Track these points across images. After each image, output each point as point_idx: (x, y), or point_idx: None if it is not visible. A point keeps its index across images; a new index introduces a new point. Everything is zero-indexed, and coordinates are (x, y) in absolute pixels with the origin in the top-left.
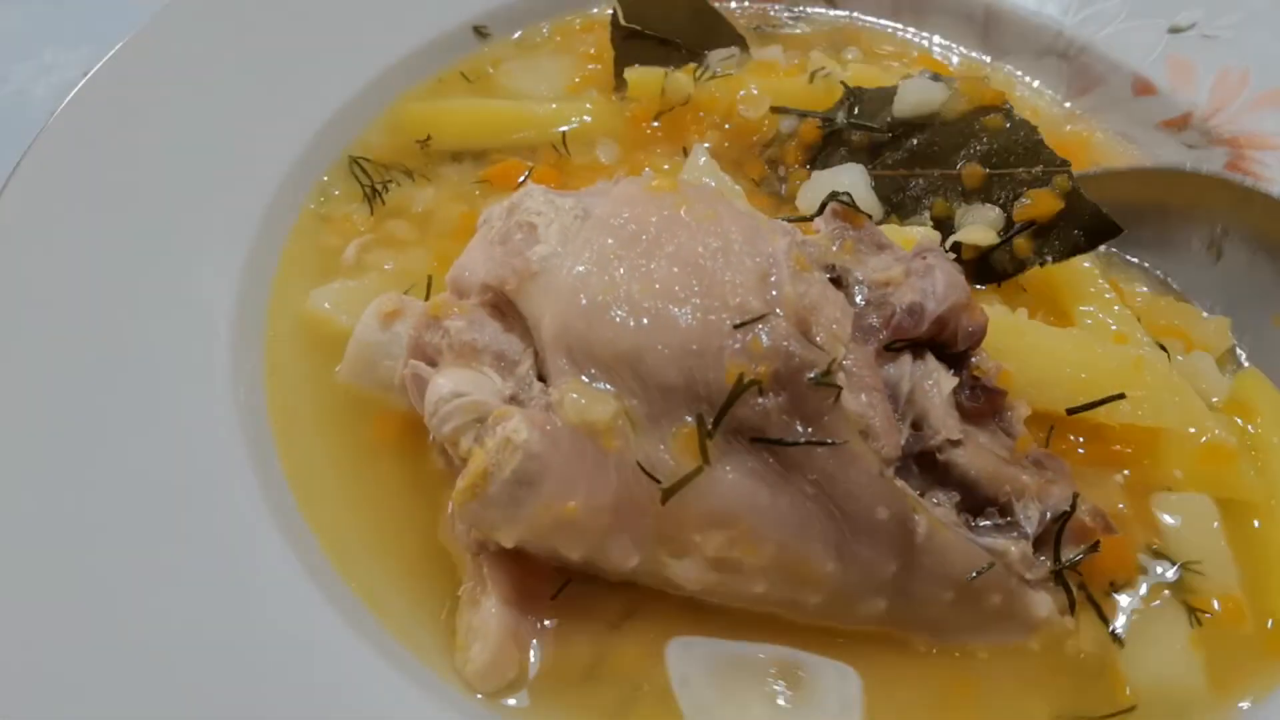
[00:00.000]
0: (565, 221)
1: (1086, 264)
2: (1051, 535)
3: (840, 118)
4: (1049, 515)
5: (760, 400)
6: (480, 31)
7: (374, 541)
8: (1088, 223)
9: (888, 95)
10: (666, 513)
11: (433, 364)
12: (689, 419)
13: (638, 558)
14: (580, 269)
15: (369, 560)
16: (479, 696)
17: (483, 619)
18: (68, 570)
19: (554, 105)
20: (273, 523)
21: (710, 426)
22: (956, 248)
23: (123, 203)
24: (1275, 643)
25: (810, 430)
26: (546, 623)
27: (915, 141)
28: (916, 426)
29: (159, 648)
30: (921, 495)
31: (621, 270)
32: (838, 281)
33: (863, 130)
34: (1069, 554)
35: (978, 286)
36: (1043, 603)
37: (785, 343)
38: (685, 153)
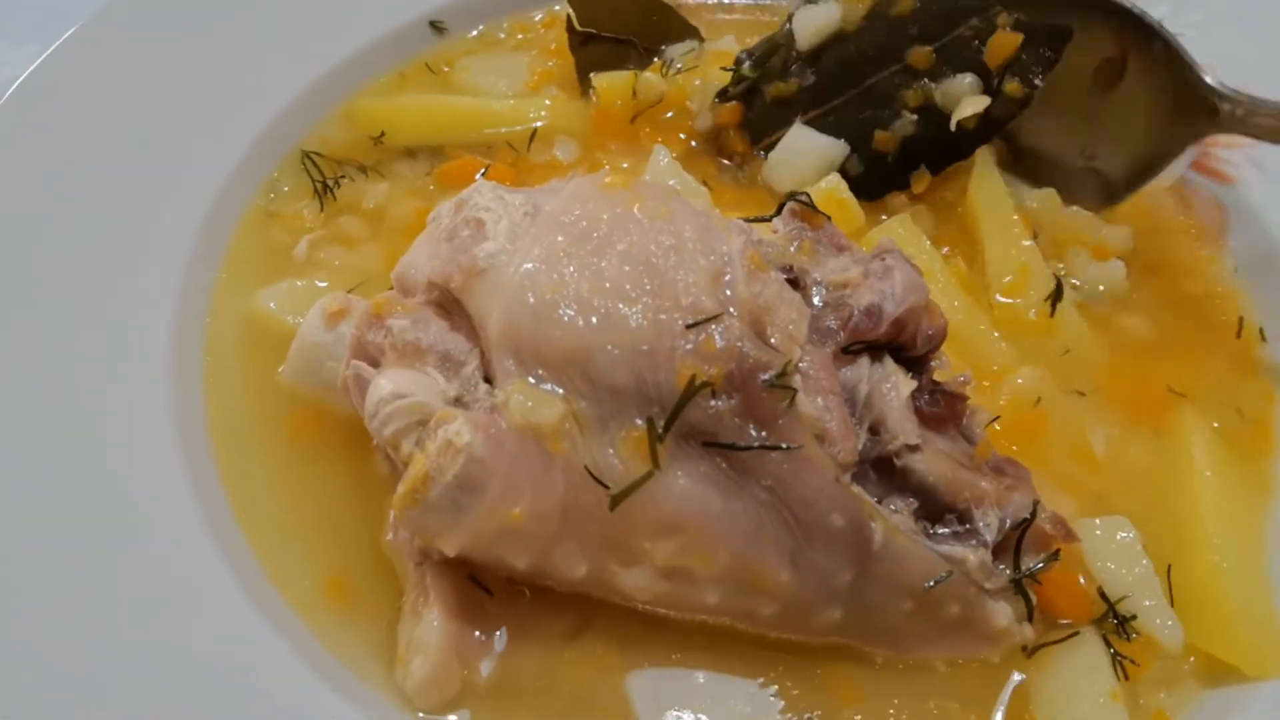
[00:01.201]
0: (514, 218)
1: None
2: (1011, 543)
3: (747, 67)
4: (1009, 523)
5: (713, 402)
6: (437, 26)
7: (313, 550)
8: (1046, 38)
9: (776, 40)
10: (615, 519)
11: (375, 364)
12: (639, 422)
13: (586, 566)
14: (528, 266)
15: (307, 569)
16: (420, 714)
17: (424, 631)
18: None
19: (512, 102)
20: (206, 530)
21: (661, 430)
22: (959, 127)
23: (63, 198)
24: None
25: (764, 434)
26: (493, 636)
27: (835, 61)
28: (874, 431)
29: (80, 660)
30: (879, 502)
31: (571, 268)
32: (795, 283)
33: (772, 81)
34: (1029, 562)
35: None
36: (1002, 612)
37: (739, 343)
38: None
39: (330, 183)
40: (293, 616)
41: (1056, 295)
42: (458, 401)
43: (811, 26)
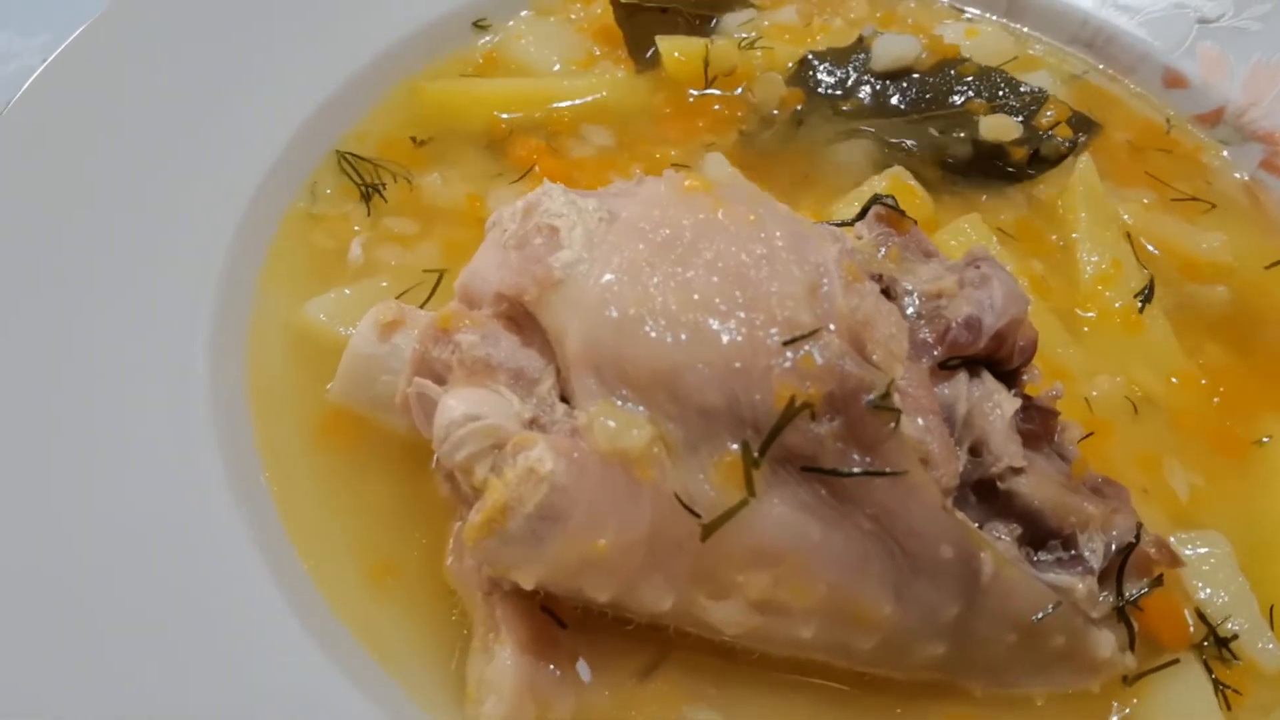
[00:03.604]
0: (589, 224)
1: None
2: (1113, 568)
3: (828, 83)
4: (1114, 548)
5: (812, 425)
6: (480, 25)
7: (373, 580)
8: (1081, 122)
9: (849, 54)
10: (706, 550)
11: (440, 382)
12: (733, 446)
13: (672, 599)
14: (609, 278)
15: (368, 601)
16: None
17: (497, 669)
18: (34, 621)
19: (565, 83)
20: (260, 560)
21: (757, 454)
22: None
23: (82, 201)
24: None
25: (868, 459)
26: (568, 670)
27: (901, 87)
28: (974, 452)
29: (134, 704)
30: (980, 527)
31: (655, 279)
32: (886, 292)
33: (846, 98)
34: (1131, 588)
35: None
36: (1106, 642)
37: (840, 361)
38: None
39: (377, 185)
40: (354, 644)
41: (1148, 294)
42: (533, 423)
43: (892, 53)
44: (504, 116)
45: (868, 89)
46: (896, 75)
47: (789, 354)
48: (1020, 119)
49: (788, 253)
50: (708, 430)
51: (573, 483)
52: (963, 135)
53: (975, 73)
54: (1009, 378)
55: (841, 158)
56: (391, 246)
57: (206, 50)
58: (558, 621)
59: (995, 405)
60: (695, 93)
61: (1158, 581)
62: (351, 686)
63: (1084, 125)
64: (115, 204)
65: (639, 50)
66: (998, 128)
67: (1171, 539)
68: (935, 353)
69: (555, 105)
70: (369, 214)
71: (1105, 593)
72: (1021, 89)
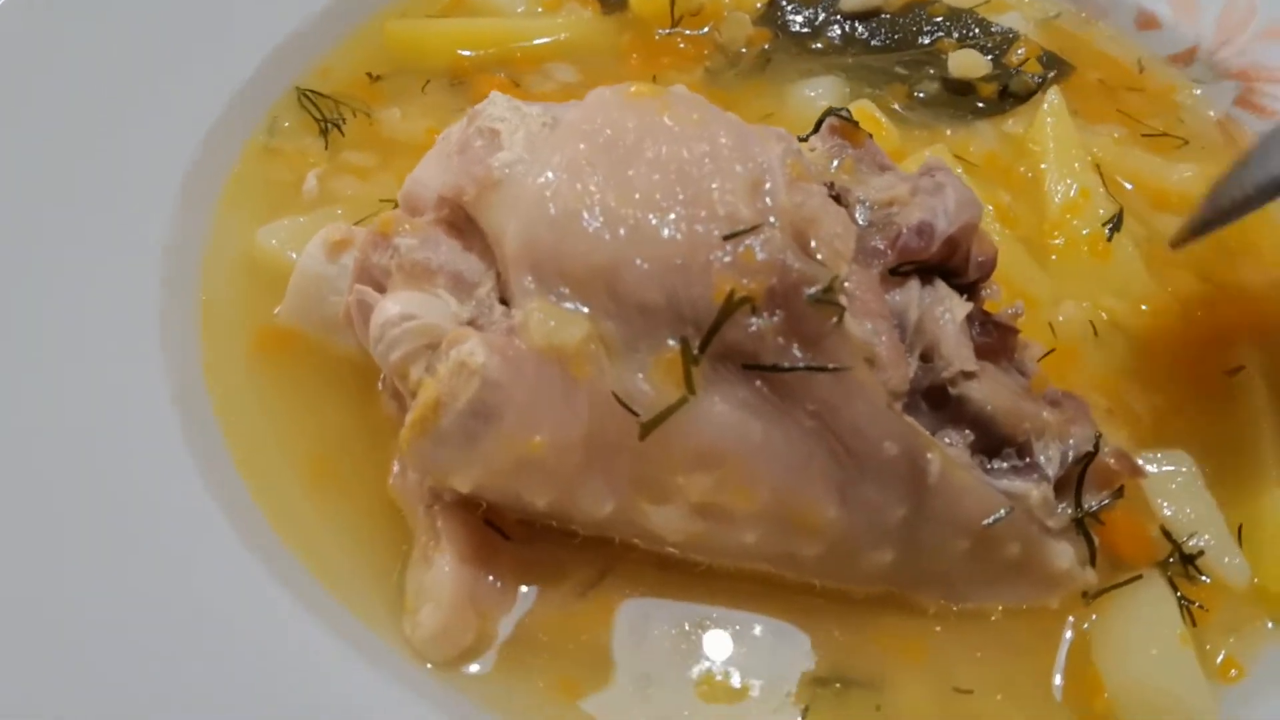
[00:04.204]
0: (532, 128)
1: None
2: (1072, 480)
3: (797, 22)
4: (1071, 456)
5: (753, 320)
6: None
7: (315, 495)
8: (1053, 60)
9: None
10: (645, 451)
11: (381, 289)
12: (672, 343)
13: (612, 504)
14: (548, 176)
15: (309, 515)
16: (428, 666)
17: (435, 578)
18: None
19: (530, 22)
20: (201, 477)
21: (696, 351)
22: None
23: (49, 118)
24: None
25: (809, 355)
26: (510, 583)
27: (870, 26)
28: (926, 358)
29: (72, 614)
30: (932, 435)
31: (596, 178)
32: (837, 200)
33: (814, 38)
34: (1091, 500)
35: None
36: (1064, 553)
37: (781, 256)
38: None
39: (336, 120)
40: (296, 563)
41: (1117, 223)
42: (471, 324)
43: None
44: (467, 54)
45: (836, 29)
46: (865, 16)
47: (729, 248)
48: (990, 57)
49: (731, 151)
50: (647, 327)
51: (506, 379)
52: (932, 73)
53: (945, 13)
54: (968, 292)
55: (807, 94)
56: (348, 179)
57: None
58: (501, 534)
59: (946, 310)
60: (662, 31)
61: (1119, 493)
62: (289, 598)
63: (1054, 63)
64: (80, 126)
65: None
66: (967, 64)
67: (1139, 460)
68: (887, 258)
69: (520, 44)
70: (326, 148)
71: (1064, 504)
72: (992, 29)
